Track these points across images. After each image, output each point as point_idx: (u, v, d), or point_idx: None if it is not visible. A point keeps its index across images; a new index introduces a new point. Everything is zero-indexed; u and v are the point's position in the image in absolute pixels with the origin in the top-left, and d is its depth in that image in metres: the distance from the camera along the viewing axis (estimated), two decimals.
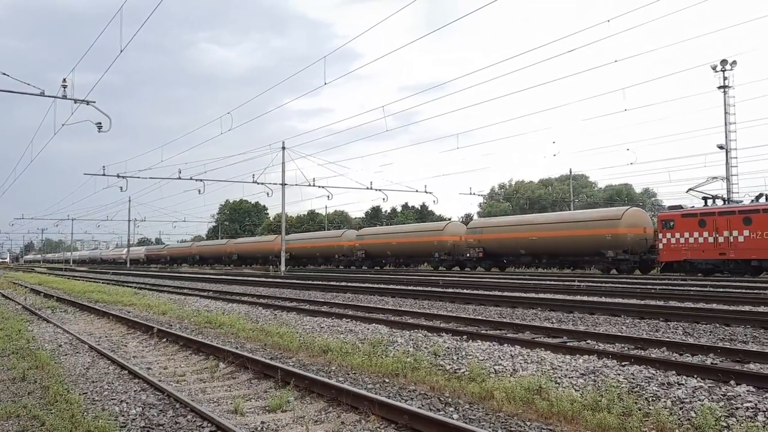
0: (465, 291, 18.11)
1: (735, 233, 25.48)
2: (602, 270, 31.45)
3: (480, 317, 11.94)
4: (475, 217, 72.84)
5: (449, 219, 48.51)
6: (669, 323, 10.72)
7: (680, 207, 29.06)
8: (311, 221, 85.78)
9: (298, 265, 57.17)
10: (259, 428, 5.21)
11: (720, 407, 5.26)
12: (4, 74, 17.88)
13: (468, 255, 38.84)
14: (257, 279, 30.87)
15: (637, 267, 30.79)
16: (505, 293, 17.15)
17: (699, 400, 5.52)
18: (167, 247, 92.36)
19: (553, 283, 21.61)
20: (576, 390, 6.06)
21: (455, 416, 5.40)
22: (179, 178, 39.22)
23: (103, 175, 39.25)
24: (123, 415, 5.58)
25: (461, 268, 41.10)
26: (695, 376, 6.33)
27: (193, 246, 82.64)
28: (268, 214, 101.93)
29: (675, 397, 5.66)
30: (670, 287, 18.04)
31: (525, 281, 22.98)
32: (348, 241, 50.56)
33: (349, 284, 23.27)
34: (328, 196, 42.56)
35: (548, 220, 35.63)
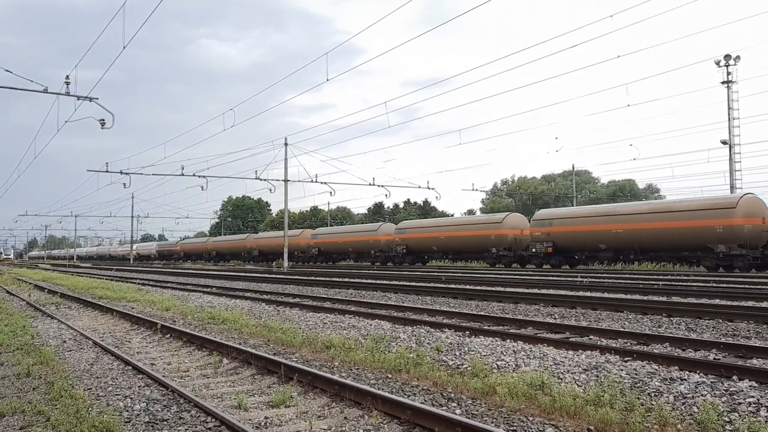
0: (467, 287, 18.12)
1: None
2: (709, 268, 26.99)
3: (483, 313, 11.97)
4: (478, 213, 72.81)
5: (507, 211, 42.44)
6: (672, 319, 10.72)
7: None
8: (314, 217, 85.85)
9: (327, 261, 54.19)
10: (262, 423, 5.23)
11: (722, 402, 5.27)
12: (7, 71, 17.93)
13: (534, 250, 34.39)
14: (260, 275, 30.92)
15: (757, 264, 26.23)
16: (508, 289, 17.16)
17: (701, 395, 5.53)
18: (180, 243, 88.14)
19: (555, 278, 21.60)
20: (578, 385, 6.07)
21: (458, 411, 5.41)
22: (182, 175, 39.36)
23: (106, 171, 39.43)
24: (127, 411, 5.60)
25: (522, 265, 36.62)
26: (698, 371, 6.34)
27: (209, 241, 78.05)
28: (270, 210, 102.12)
29: (677, 392, 5.67)
30: (673, 283, 18.02)
31: (528, 277, 22.97)
32: (385, 236, 46.72)
33: (351, 280, 23.30)
34: (331, 193, 42.69)
35: (637, 210, 30.60)
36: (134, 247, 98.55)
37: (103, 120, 19.76)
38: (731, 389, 5.65)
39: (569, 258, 33.89)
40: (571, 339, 8.59)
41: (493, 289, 17.21)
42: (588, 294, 14.92)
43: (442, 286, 18.65)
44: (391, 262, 45.72)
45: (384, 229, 48.01)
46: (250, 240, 65.70)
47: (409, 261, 44.23)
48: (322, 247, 53.80)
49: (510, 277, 23.40)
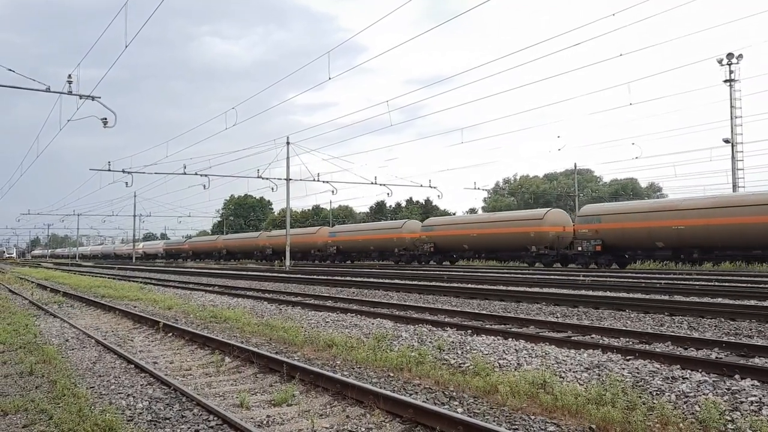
0: (469, 285, 18.12)
1: None
2: None
3: (484, 312, 11.96)
4: (480, 212, 72.75)
5: (548, 207, 39.18)
6: (674, 317, 10.71)
7: None
8: (316, 216, 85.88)
9: (346, 260, 52.06)
10: (264, 422, 5.24)
11: (724, 401, 5.27)
12: (10, 70, 17.94)
13: (580, 249, 31.70)
14: (262, 274, 30.96)
15: None
16: (510, 288, 17.15)
17: (703, 394, 5.52)
18: (189, 241, 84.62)
19: (557, 277, 21.58)
20: (580, 384, 6.07)
21: (460, 410, 5.42)
22: (184, 174, 39.40)
23: (109, 170, 39.44)
24: (130, 409, 5.62)
25: (564, 264, 34.03)
26: (700, 370, 6.34)
27: (219, 240, 74.12)
28: (272, 209, 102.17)
29: (679, 391, 5.66)
30: (675, 282, 18.00)
31: (529, 275, 22.95)
32: (410, 233, 44.18)
33: (354, 279, 23.31)
34: (333, 191, 42.58)
35: (704, 204, 27.05)
36: (141, 245, 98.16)
37: (106, 119, 19.78)
38: (733, 388, 5.65)
39: (620, 257, 31.23)
40: (573, 338, 8.59)
41: (495, 288, 17.20)
42: (590, 293, 14.91)
43: (445, 284, 18.65)
44: (416, 261, 43.64)
45: (409, 227, 45.50)
46: (263, 238, 62.37)
47: (436, 260, 41.84)
48: (342, 246, 51.11)
49: (512, 276, 23.38)
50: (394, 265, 43.70)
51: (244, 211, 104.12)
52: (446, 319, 10.93)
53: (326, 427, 5.02)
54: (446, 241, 40.69)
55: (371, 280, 22.64)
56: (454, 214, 69.65)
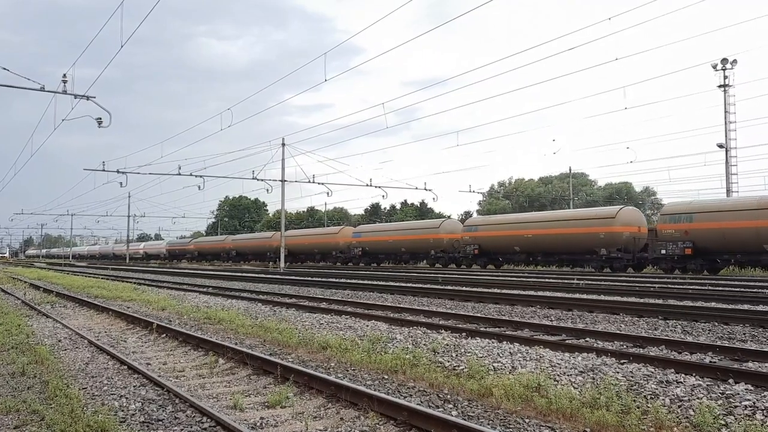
0: (464, 288, 18.12)
1: None
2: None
3: (479, 314, 11.97)
4: (475, 215, 72.65)
5: (621, 206, 34.49)
6: (668, 321, 10.74)
7: None
8: (311, 218, 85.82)
9: (372, 262, 48.18)
10: (258, 424, 5.22)
11: (718, 405, 5.28)
12: (5, 69, 17.87)
13: (663, 252, 28.03)
14: (256, 275, 30.88)
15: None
16: (504, 291, 17.17)
17: (697, 398, 5.53)
18: (194, 241, 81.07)
19: (552, 281, 21.62)
20: (575, 387, 6.07)
21: (454, 413, 5.41)
22: (179, 174, 39.31)
23: (103, 170, 39.34)
24: (123, 410, 5.58)
25: (638, 269, 30.53)
26: (694, 374, 6.35)
27: (227, 240, 70.39)
28: (267, 210, 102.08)
29: (673, 395, 5.67)
30: (669, 285, 18.05)
31: (524, 279, 22.98)
32: (449, 234, 40.98)
33: (349, 281, 23.28)
34: (328, 193, 42.77)
35: None
36: (141, 245, 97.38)
37: (100, 119, 19.71)
38: (727, 392, 5.66)
39: (712, 261, 27.56)
40: (567, 341, 8.59)
41: (490, 290, 17.21)
42: (584, 296, 14.92)
43: (439, 287, 18.65)
44: (455, 264, 40.62)
45: (448, 226, 41.96)
46: (276, 238, 55.67)
47: (480, 263, 38.16)
48: (368, 247, 47.16)
49: (507, 279, 23.40)
50: (430, 268, 41.07)
51: (239, 213, 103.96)
52: (441, 322, 10.92)
53: (320, 430, 5.00)
54: (494, 243, 36.78)
55: (365, 282, 22.61)
56: (449, 217, 69.02)
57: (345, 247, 50.05)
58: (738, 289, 16.28)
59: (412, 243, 43.39)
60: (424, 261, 44.39)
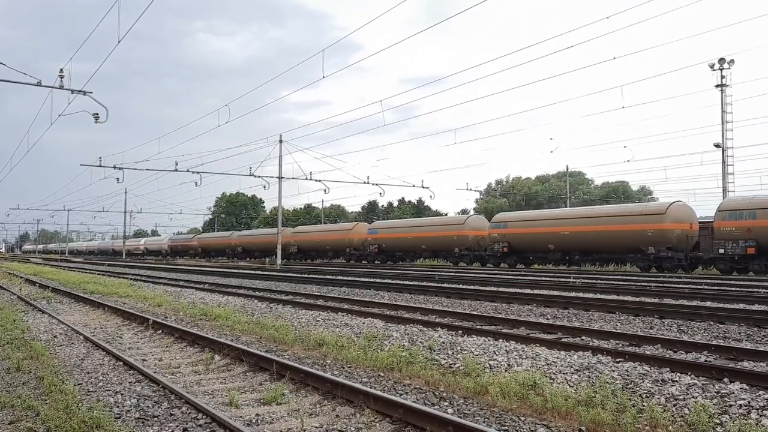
0: (460, 286, 18.13)
1: None
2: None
3: (475, 312, 11.98)
4: (471, 212, 72.61)
5: (672, 201, 30.27)
6: (663, 320, 10.76)
7: None
8: (308, 215, 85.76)
9: (388, 260, 46.23)
10: (253, 421, 5.21)
11: (713, 404, 5.29)
12: (1, 63, 17.78)
13: (721, 251, 26.05)
14: (253, 272, 30.86)
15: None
16: (501, 289, 17.18)
17: (693, 397, 5.54)
18: (198, 237, 78.77)
19: (548, 279, 21.65)
20: (570, 386, 6.08)
21: (450, 411, 5.41)
22: (176, 170, 39.17)
23: (100, 166, 39.15)
24: (118, 406, 5.57)
25: (689, 269, 28.26)
26: (689, 373, 6.36)
27: (233, 236, 68.19)
28: (264, 207, 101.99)
29: (669, 393, 5.68)
30: (665, 285, 18.09)
31: (520, 277, 23.01)
32: (475, 230, 38.78)
33: (346, 278, 23.27)
34: (325, 190, 42.43)
35: None
36: (142, 241, 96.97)
37: (97, 114, 19.66)
38: (722, 391, 5.67)
39: None
40: (563, 339, 8.61)
41: (486, 288, 17.22)
42: (581, 295, 14.95)
43: (435, 285, 18.66)
44: (479, 263, 38.76)
45: (473, 223, 39.84)
46: (286, 235, 54.76)
47: (509, 262, 35.97)
48: (384, 244, 44.90)
49: (502, 277, 23.43)
50: (453, 266, 38.94)
51: (236, 209, 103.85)
52: (437, 320, 10.92)
53: (316, 427, 5.00)
54: (524, 240, 34.52)
55: (362, 279, 22.61)
56: (446, 214, 68.95)
57: (359, 244, 48.09)
58: (733, 289, 16.33)
59: (433, 240, 41.11)
60: (446, 259, 42.34)
